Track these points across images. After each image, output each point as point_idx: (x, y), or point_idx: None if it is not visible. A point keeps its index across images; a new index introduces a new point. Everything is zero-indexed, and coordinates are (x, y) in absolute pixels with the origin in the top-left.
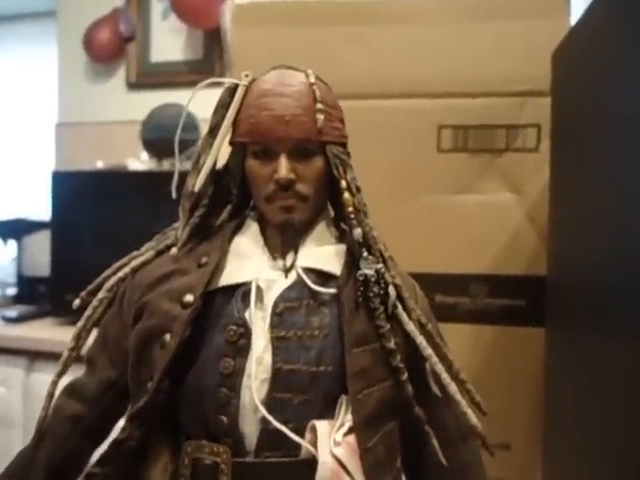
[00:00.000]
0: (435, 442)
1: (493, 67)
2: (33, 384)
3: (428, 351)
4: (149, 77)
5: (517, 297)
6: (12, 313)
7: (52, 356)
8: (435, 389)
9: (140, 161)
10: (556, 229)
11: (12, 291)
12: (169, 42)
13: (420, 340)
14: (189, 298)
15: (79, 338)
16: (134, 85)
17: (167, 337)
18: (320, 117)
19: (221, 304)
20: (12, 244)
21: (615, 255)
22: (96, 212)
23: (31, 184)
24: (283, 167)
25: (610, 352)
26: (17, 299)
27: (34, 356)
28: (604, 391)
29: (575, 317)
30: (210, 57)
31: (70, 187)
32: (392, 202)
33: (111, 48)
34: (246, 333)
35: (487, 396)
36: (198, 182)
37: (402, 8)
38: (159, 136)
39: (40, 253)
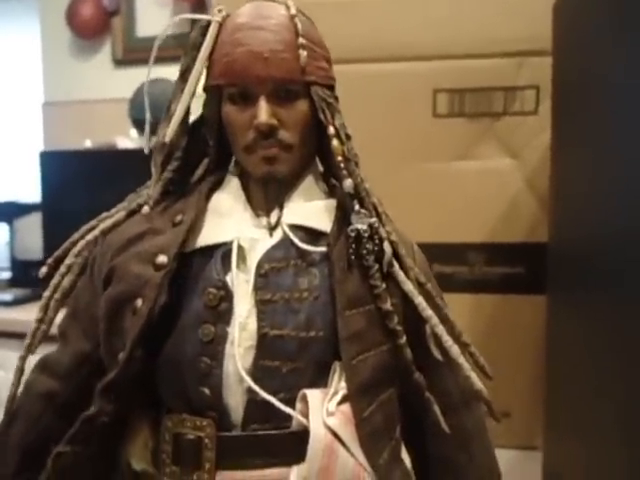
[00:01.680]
0: (437, 409)
1: (489, 26)
2: (31, 367)
3: (428, 312)
4: (135, 52)
5: (517, 265)
6: (7, 297)
7: (49, 339)
8: (436, 353)
9: (129, 139)
10: (558, 194)
11: (6, 275)
12: (155, 16)
13: (419, 300)
14: (162, 259)
15: (47, 308)
16: (120, 61)
17: (139, 302)
18: (303, 53)
19: (199, 266)
20: (3, 227)
21: (619, 221)
22: (86, 191)
23: (20, 165)
24: (263, 111)
25: (612, 318)
26: (11, 283)
27: None
28: (606, 358)
29: (577, 284)
30: None
31: (59, 167)
32: (387, 170)
33: (95, 23)
34: (227, 296)
35: (488, 364)
36: (169, 132)
37: None
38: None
39: (32, 236)
